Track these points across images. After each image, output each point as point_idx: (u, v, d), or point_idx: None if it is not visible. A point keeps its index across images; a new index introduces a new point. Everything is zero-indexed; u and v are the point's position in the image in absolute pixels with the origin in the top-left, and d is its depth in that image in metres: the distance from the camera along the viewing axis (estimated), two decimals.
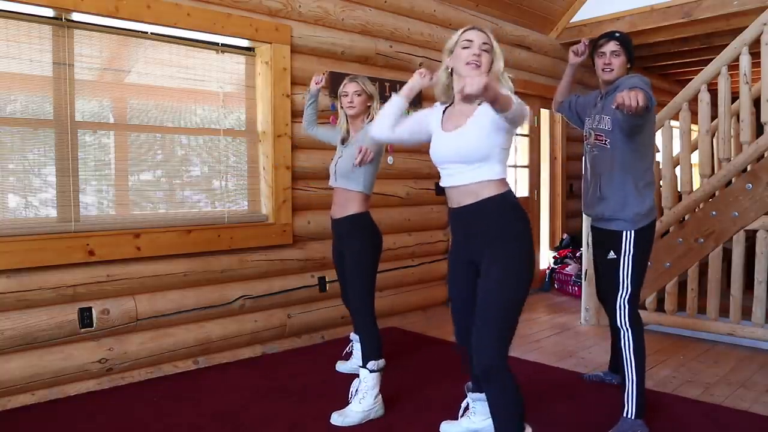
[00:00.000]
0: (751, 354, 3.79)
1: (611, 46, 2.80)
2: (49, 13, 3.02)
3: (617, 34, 2.85)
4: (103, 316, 3.18)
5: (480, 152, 2.08)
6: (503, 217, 2.11)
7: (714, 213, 3.99)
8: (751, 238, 3.95)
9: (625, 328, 2.71)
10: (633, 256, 2.74)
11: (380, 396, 2.85)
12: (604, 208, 2.81)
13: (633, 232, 2.73)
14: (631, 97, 2.17)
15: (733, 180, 3.97)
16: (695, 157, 4.31)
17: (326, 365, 3.51)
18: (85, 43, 3.20)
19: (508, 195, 2.14)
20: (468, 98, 1.77)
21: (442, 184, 2.25)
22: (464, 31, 2.19)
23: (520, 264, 2.09)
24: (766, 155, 3.82)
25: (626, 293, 2.74)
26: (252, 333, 3.77)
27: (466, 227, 2.17)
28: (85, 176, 3.22)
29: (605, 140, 2.80)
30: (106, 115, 3.37)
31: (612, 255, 2.77)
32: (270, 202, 3.86)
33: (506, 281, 2.06)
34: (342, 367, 3.48)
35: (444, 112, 2.28)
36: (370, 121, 3.00)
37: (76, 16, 3.11)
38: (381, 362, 2.86)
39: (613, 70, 2.80)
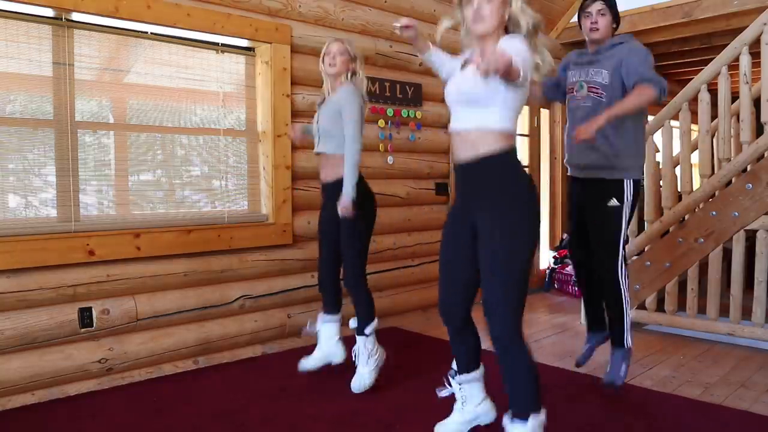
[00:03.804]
0: (751, 354, 3.79)
1: (597, 5, 2.86)
2: (49, 13, 3.02)
3: None
4: (103, 316, 3.18)
5: (477, 92, 1.96)
6: (504, 176, 2.00)
7: (714, 213, 3.99)
8: (751, 238, 3.95)
9: (622, 280, 2.91)
10: (631, 205, 2.88)
11: (379, 346, 3.11)
12: (604, 157, 2.83)
13: (632, 181, 2.87)
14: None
15: (733, 180, 3.97)
16: (695, 157, 4.30)
17: (326, 365, 3.51)
18: (85, 43, 3.20)
19: (509, 154, 2.02)
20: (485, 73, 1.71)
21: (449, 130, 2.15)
22: None
23: (522, 226, 1.99)
24: (766, 155, 3.81)
25: (622, 249, 2.90)
26: (252, 333, 3.77)
27: (465, 185, 2.06)
28: (85, 176, 3.23)
29: (601, 93, 2.84)
30: (106, 115, 3.37)
31: (614, 202, 2.85)
32: (270, 202, 3.86)
33: (510, 244, 1.96)
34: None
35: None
36: (352, 78, 3.05)
37: (76, 16, 3.11)
38: (375, 323, 3.05)
39: (599, 29, 2.86)
